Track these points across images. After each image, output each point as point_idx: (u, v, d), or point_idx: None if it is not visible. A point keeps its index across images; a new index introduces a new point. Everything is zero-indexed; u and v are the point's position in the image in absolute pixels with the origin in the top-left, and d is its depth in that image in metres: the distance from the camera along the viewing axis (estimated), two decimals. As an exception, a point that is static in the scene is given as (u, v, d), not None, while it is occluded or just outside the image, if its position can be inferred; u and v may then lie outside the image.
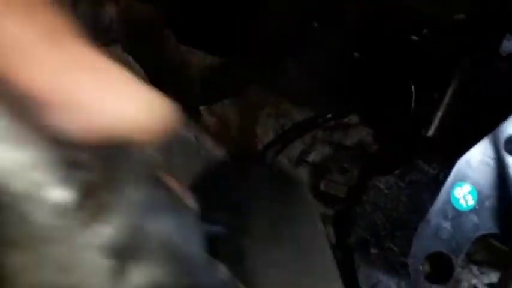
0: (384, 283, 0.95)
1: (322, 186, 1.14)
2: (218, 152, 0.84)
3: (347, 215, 0.98)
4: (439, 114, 0.88)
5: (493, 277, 1.07)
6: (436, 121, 0.88)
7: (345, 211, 1.04)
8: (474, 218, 1.01)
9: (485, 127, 0.86)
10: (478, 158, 1.02)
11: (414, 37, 0.90)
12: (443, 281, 1.00)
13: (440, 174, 0.92)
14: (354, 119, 1.16)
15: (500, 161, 1.04)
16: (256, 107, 1.15)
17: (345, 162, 1.14)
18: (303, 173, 1.19)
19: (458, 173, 1.01)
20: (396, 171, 0.92)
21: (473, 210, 1.01)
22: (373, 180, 0.93)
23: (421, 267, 1.01)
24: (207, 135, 0.90)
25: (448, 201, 1.00)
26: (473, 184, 1.02)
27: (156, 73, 0.93)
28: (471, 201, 1.01)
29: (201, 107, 1.04)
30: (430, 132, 0.89)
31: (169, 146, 0.33)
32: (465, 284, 1.08)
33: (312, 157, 1.19)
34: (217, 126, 1.06)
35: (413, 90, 0.88)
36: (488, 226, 1.01)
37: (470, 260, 1.10)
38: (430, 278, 1.04)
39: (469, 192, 1.01)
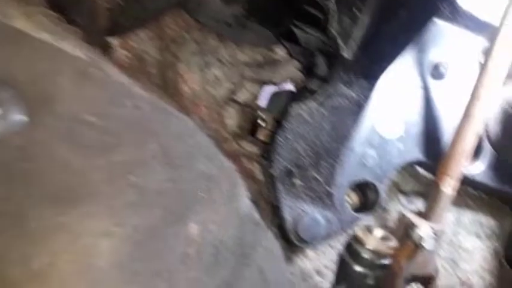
0: (310, 214, 0.93)
1: (260, 135, 1.10)
2: (124, 79, 0.77)
3: (270, 146, 0.95)
4: (358, 33, 0.84)
5: (421, 206, 1.08)
6: (354, 41, 0.84)
7: (268, 144, 1.00)
8: (400, 146, 1.00)
9: (404, 45, 0.83)
10: (404, 84, 1.01)
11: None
12: (369, 210, 0.99)
13: (362, 97, 0.90)
14: (281, 53, 1.12)
15: (426, 87, 1.03)
16: (177, 43, 1.08)
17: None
18: (231, 112, 1.14)
19: (383, 101, 0.99)
20: (317, 98, 0.89)
21: (399, 138, 1.00)
22: (295, 109, 0.90)
23: (346, 197, 1.00)
24: (116, 66, 0.83)
25: (374, 129, 0.99)
26: (400, 111, 1.00)
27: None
28: (397, 129, 1.00)
29: (113, 40, 0.96)
30: (350, 53, 0.85)
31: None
32: (393, 214, 1.08)
33: (241, 96, 1.14)
34: (133, 60, 0.99)
35: (333, 11, 0.84)
36: (414, 153, 1.00)
37: (399, 190, 1.10)
38: (357, 208, 1.03)
39: (396, 120, 1.00)
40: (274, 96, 1.17)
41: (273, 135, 1.06)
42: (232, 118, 1.15)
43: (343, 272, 0.86)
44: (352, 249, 0.85)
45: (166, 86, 1.07)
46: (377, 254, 0.85)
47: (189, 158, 0.73)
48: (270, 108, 1.14)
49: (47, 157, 0.63)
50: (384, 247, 0.86)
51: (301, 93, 0.97)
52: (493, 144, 1.05)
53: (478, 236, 1.08)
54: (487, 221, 1.08)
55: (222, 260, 0.81)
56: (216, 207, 0.79)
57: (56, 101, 0.66)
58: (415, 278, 1.01)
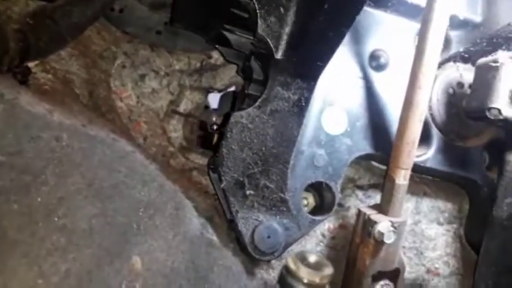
0: (265, 223, 0.89)
1: (214, 141, 1.05)
2: (39, 109, 0.70)
3: (216, 159, 0.90)
4: (287, 32, 0.81)
5: (378, 199, 1.06)
6: (284, 40, 0.81)
7: (215, 156, 0.96)
8: (347, 141, 0.97)
9: (336, 42, 0.80)
10: (343, 78, 0.99)
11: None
12: (327, 211, 0.96)
13: (301, 98, 0.86)
14: (220, 59, 1.07)
15: (367, 78, 1.01)
16: (104, 58, 1.01)
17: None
18: (175, 125, 1.08)
19: (325, 96, 0.96)
20: (256, 103, 0.85)
21: (346, 133, 0.97)
22: (235, 117, 0.85)
23: (303, 200, 0.97)
24: (31, 94, 0.76)
25: (319, 127, 0.96)
26: (343, 106, 0.98)
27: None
28: (342, 124, 0.98)
29: (31, 64, 0.89)
30: (280, 53, 0.82)
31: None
32: (353, 210, 1.06)
33: (183, 106, 1.08)
34: (56, 83, 0.91)
35: (258, 11, 0.80)
36: (363, 147, 0.98)
37: (356, 185, 1.07)
38: (315, 209, 1.00)
39: (340, 115, 0.98)
40: (224, 97, 1.12)
41: (218, 143, 1.01)
42: (176, 131, 1.09)
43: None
44: (286, 283, 0.82)
45: (97, 105, 1.00)
46: (312, 286, 0.81)
47: (120, 186, 0.67)
48: (221, 111, 1.09)
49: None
50: (318, 278, 0.82)
51: (240, 100, 0.93)
52: (439, 128, 1.04)
53: (439, 222, 1.07)
54: (445, 206, 1.07)
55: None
56: (161, 234, 0.73)
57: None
58: (382, 275, 0.99)
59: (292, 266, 0.79)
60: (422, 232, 1.07)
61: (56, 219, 0.58)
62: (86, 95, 0.96)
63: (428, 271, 1.06)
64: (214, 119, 1.09)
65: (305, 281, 0.80)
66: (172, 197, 0.78)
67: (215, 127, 1.06)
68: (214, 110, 1.13)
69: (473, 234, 1.05)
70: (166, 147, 1.06)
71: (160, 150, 1.05)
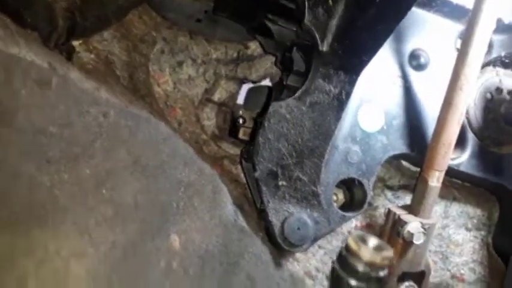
0: (296, 215, 0.89)
1: (240, 134, 1.05)
2: (88, 85, 0.71)
3: (251, 147, 0.90)
4: (334, 24, 0.81)
5: (408, 201, 1.05)
6: (331, 33, 0.81)
7: (249, 146, 0.96)
8: (383, 139, 0.97)
9: (383, 37, 0.80)
10: (382, 75, 0.98)
11: None
12: (357, 208, 0.96)
13: (342, 92, 0.86)
14: (257, 49, 1.07)
15: (406, 78, 1.00)
16: (145, 42, 1.02)
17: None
18: (209, 113, 1.09)
19: (363, 93, 0.96)
20: (296, 94, 0.85)
21: (382, 131, 0.97)
22: (274, 107, 0.85)
23: (333, 196, 0.97)
24: (79, 71, 0.78)
25: (355, 124, 0.95)
26: (380, 104, 0.97)
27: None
28: (379, 122, 0.97)
29: (75, 43, 0.90)
30: (327, 46, 0.82)
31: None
32: (381, 210, 1.06)
33: (217, 95, 1.09)
34: (98, 64, 0.92)
35: (306, 1, 0.80)
36: (398, 146, 0.98)
37: (385, 185, 1.07)
38: (344, 206, 1.00)
39: (376, 113, 0.97)
40: (251, 92, 1.12)
41: (253, 133, 1.02)
42: (210, 119, 1.09)
43: (337, 286, 0.81)
44: (346, 262, 0.80)
45: (137, 88, 1.01)
46: (373, 266, 0.80)
47: (163, 166, 0.68)
48: (247, 106, 1.10)
49: (9, 175, 0.57)
50: (379, 258, 0.81)
51: (279, 90, 0.93)
52: (475, 132, 1.03)
53: (467, 228, 1.06)
54: (474, 212, 1.06)
55: (209, 270, 0.76)
56: (198, 216, 0.74)
57: (14, 113, 0.61)
58: (407, 276, 0.98)
59: (353, 245, 0.79)
60: (449, 237, 1.06)
61: (104, 191, 0.59)
62: (126, 77, 0.97)
63: (453, 276, 1.05)
64: (241, 112, 1.09)
65: (366, 260, 0.79)
66: (210, 180, 0.78)
67: (241, 121, 1.06)
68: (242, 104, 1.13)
69: (502, 243, 1.03)
70: (199, 134, 1.06)
71: (193, 136, 1.06)
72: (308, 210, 0.90)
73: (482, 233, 1.06)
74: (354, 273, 0.79)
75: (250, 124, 1.05)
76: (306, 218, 0.90)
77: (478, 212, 1.07)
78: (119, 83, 0.94)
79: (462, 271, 1.05)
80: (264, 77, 1.10)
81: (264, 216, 0.89)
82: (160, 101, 1.03)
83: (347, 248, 0.81)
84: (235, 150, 1.06)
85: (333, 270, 0.81)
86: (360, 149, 0.95)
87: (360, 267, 0.77)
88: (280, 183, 0.89)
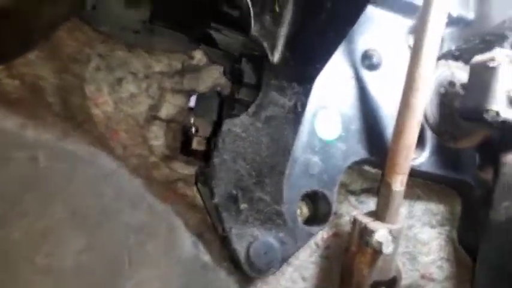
0: (261, 239, 0.83)
1: (194, 144, 0.97)
2: (9, 123, 0.62)
3: (206, 169, 0.83)
4: (283, 33, 0.75)
5: (372, 205, 1.03)
6: (280, 42, 0.75)
7: (204, 167, 0.89)
8: (342, 146, 0.93)
9: (336, 42, 0.75)
10: (335, 79, 0.94)
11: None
12: (322, 221, 0.92)
13: (298, 104, 0.81)
14: (203, 59, 1.00)
15: (360, 79, 0.96)
16: (78, 61, 0.91)
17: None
18: (156, 132, 1.00)
19: (317, 100, 0.91)
20: (249, 109, 0.79)
21: (340, 138, 0.93)
22: (228, 125, 0.79)
23: (297, 212, 0.92)
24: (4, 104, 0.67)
25: (313, 133, 0.91)
26: (336, 109, 0.93)
27: None
28: (337, 128, 0.93)
29: (-6, 70, 0.78)
30: (276, 57, 0.76)
31: None
32: (346, 217, 1.02)
33: (164, 112, 1.00)
34: (24, 91, 0.81)
35: (251, 9, 0.74)
36: (358, 152, 0.94)
37: (348, 190, 1.03)
38: (309, 219, 0.95)
39: (333, 119, 0.93)
40: (200, 99, 1.04)
41: (207, 153, 0.94)
42: (158, 138, 1.00)
43: None
44: None
45: (72, 115, 0.90)
46: None
47: (106, 212, 0.60)
48: (199, 113, 1.02)
49: None
50: None
51: (230, 105, 0.86)
52: (432, 128, 1.01)
53: (432, 225, 1.05)
54: (437, 209, 1.05)
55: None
56: (155, 262, 0.66)
57: None
58: (379, 284, 0.95)
59: None
60: (415, 236, 1.05)
61: (38, 259, 0.50)
62: (59, 103, 0.86)
63: (422, 276, 1.03)
64: (192, 120, 1.01)
65: None
66: (164, 218, 0.71)
67: (194, 130, 0.99)
68: (190, 109, 1.05)
69: (467, 237, 1.03)
70: (147, 157, 0.97)
71: (141, 160, 0.97)
72: (273, 231, 0.85)
73: (447, 228, 1.06)
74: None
75: (205, 133, 0.98)
76: (272, 241, 0.84)
77: (441, 208, 1.06)
78: (50, 112, 0.83)
79: (431, 270, 1.03)
80: (213, 88, 1.02)
81: (227, 243, 0.83)
82: (100, 126, 0.93)
83: None
84: (189, 170, 0.98)
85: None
86: (320, 159, 0.90)
87: None
88: (241, 206, 0.82)
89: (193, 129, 0.99)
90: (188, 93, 1.04)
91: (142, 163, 0.97)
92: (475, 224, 0.99)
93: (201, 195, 0.92)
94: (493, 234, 0.89)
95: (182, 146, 1.02)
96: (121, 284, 0.57)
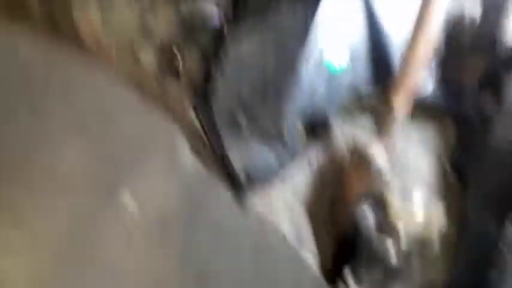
0: (260, 154, 0.84)
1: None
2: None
3: (206, 88, 0.81)
4: None
5: (369, 128, 1.03)
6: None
7: (204, 85, 0.86)
8: (349, 75, 0.91)
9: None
10: (344, 6, 0.89)
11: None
12: (321, 139, 0.93)
13: (307, 20, 0.77)
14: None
15: (369, 6, 0.92)
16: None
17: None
18: (147, 49, 0.94)
19: (327, 27, 0.87)
20: (256, 26, 0.74)
21: (348, 66, 0.90)
22: (233, 34, 0.75)
23: (296, 131, 0.92)
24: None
25: (320, 55, 0.88)
26: (344, 38, 0.90)
27: None
28: (344, 57, 0.90)
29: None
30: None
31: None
32: (341, 138, 1.03)
33: (156, 27, 0.94)
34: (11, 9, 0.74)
35: None
36: (363, 77, 0.92)
37: (345, 111, 1.02)
38: (304, 137, 0.96)
39: (341, 47, 0.90)
40: (195, 13, 0.97)
41: (206, 71, 0.91)
42: (148, 55, 0.95)
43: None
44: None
45: (59, 32, 0.84)
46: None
47: (108, 120, 0.59)
48: (194, 28, 0.96)
49: None
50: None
51: (234, 24, 0.81)
52: (438, 60, 1.00)
53: (426, 152, 1.07)
54: (433, 136, 1.06)
55: (172, 227, 0.71)
56: (154, 175, 0.67)
57: None
58: (369, 198, 0.99)
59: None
60: (407, 159, 1.07)
61: (39, 157, 0.49)
62: (44, 20, 0.80)
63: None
64: (180, 37, 0.95)
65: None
66: (165, 128, 0.70)
67: (178, 54, 0.93)
68: (183, 23, 0.99)
69: (458, 162, 1.06)
70: (138, 74, 0.93)
71: (133, 78, 0.92)
72: (271, 146, 0.85)
73: (440, 154, 1.08)
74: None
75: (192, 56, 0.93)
76: (270, 155, 0.85)
77: (436, 135, 1.07)
78: (34, 30, 0.78)
79: (422, 192, 1.07)
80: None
81: (225, 160, 0.83)
82: (89, 43, 0.86)
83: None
84: (183, 89, 0.95)
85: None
86: (325, 84, 0.88)
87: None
88: (241, 123, 0.82)
89: (176, 50, 0.93)
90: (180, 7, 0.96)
91: (134, 81, 0.93)
92: (468, 151, 1.02)
93: (197, 114, 0.90)
94: (490, 160, 0.91)
95: (171, 63, 0.98)
96: (118, 189, 0.58)
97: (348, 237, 0.95)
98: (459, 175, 1.06)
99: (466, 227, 0.94)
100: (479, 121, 1.00)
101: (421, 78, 0.87)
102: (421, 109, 0.96)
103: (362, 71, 0.92)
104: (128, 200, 0.59)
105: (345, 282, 0.76)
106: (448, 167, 1.08)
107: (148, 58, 0.94)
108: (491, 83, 0.99)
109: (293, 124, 0.87)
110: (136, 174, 0.62)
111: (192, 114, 0.88)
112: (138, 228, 0.61)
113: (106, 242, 0.55)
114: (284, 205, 1.00)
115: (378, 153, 0.89)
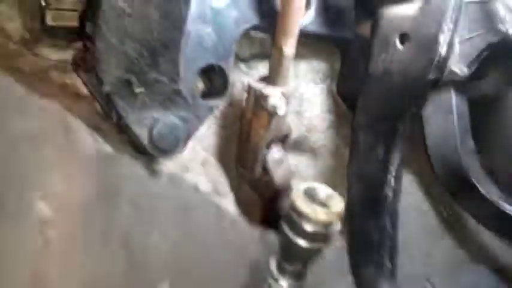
0: (162, 120, 0.80)
1: (48, 20, 0.81)
2: None
3: (89, 56, 0.73)
4: None
5: (262, 70, 1.04)
6: None
7: (84, 50, 0.78)
8: (233, 13, 0.88)
9: None
10: None
11: None
12: (221, 93, 0.91)
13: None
14: None
15: None
16: None
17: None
18: (8, 12, 0.82)
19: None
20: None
21: (231, 4, 0.88)
22: (109, 2, 0.67)
23: (195, 87, 0.89)
24: None
25: (203, 1, 0.84)
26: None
27: None
28: (225, -8, 0.87)
29: None
30: None
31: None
32: (238, 84, 1.03)
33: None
34: None
35: None
36: (249, 18, 0.91)
37: (237, 58, 1.02)
38: (206, 94, 0.94)
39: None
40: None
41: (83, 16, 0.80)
42: (13, 19, 0.82)
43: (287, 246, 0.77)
44: (292, 221, 0.74)
45: None
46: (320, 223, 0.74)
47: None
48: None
49: None
50: (326, 215, 0.74)
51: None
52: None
53: (315, 83, 1.12)
54: (320, 66, 1.11)
55: (93, 215, 0.67)
56: (54, 164, 0.61)
57: None
58: (274, 142, 1.03)
59: (298, 203, 0.74)
60: (301, 95, 1.11)
61: None
62: None
63: (308, 130, 1.13)
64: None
65: (312, 218, 0.74)
66: (58, 119, 0.63)
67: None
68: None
69: (345, 89, 1.13)
70: (5, 44, 0.80)
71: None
72: (174, 110, 0.82)
73: (328, 83, 1.14)
74: (304, 234, 0.74)
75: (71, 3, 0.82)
76: (174, 120, 0.82)
77: (322, 65, 1.12)
78: None
79: (315, 123, 1.13)
80: None
81: (127, 130, 0.78)
82: None
83: (292, 206, 0.75)
84: (61, 55, 0.85)
85: (282, 230, 0.78)
86: (213, 29, 0.85)
87: (309, 228, 0.74)
88: (136, 90, 0.76)
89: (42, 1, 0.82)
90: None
91: (1, 53, 0.80)
92: (353, 77, 1.09)
93: (85, 83, 0.82)
94: (371, 85, 0.98)
95: (42, 24, 0.86)
96: (29, 195, 0.52)
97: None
98: (346, 100, 1.14)
99: (356, 149, 1.03)
100: (358, 45, 1.07)
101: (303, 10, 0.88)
102: (305, 37, 0.98)
103: (247, 7, 0.90)
104: (39, 204, 0.54)
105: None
106: (335, 94, 1.16)
107: (13, 21, 0.81)
108: (366, 4, 1.04)
109: (191, 81, 0.84)
110: (41, 175, 0.56)
111: (82, 86, 0.80)
112: (54, 229, 0.56)
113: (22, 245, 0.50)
114: (193, 159, 0.99)
115: (273, 92, 0.91)
